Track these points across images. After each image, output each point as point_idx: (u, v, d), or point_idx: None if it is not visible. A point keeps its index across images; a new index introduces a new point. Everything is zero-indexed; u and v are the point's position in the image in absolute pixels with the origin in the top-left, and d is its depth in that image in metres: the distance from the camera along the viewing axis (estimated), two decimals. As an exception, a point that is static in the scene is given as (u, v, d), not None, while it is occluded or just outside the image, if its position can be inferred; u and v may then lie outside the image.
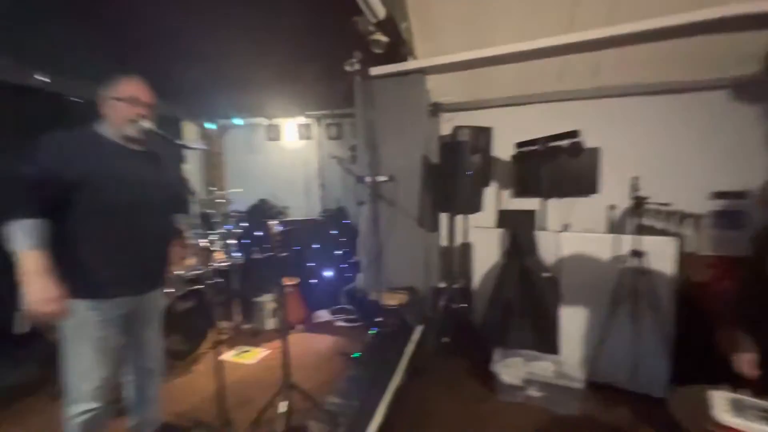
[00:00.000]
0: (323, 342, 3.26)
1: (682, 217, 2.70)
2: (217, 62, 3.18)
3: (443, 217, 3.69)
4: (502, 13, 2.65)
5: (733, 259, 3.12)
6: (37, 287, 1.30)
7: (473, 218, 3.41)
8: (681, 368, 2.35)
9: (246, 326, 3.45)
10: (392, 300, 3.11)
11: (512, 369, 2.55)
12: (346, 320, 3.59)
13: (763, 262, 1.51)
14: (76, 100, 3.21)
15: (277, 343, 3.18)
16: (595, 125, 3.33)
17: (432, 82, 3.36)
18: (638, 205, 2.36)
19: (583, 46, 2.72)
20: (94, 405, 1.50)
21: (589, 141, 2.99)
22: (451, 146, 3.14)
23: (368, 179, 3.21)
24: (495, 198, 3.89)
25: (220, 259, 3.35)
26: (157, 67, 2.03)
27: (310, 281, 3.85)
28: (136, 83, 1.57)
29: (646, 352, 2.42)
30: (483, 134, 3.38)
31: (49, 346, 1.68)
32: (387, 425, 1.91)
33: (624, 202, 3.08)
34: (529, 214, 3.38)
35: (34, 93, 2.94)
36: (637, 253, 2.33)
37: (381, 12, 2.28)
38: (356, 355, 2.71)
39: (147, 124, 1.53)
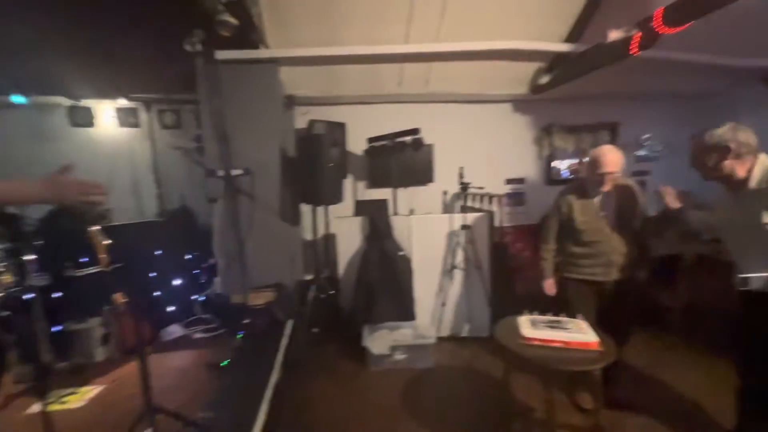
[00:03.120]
0: (182, 359, 2.85)
1: (490, 197, 3.55)
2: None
3: (305, 210, 3.73)
4: (350, 14, 2.86)
5: (522, 227, 4.29)
6: None
7: (334, 209, 3.58)
8: (498, 308, 3.11)
9: (62, 364, 2.68)
10: (259, 299, 2.98)
11: (379, 341, 2.85)
12: (206, 330, 3.23)
13: (570, 216, 2.18)
14: None
15: (112, 376, 2.62)
16: (429, 125, 3.96)
17: (286, 73, 3.32)
18: (463, 189, 2.97)
19: (416, 57, 3.21)
20: None
21: (426, 138, 3.55)
22: (308, 139, 3.20)
23: (221, 173, 2.94)
24: (352, 189, 4.17)
25: (6, 285, 2.48)
26: None
27: (153, 294, 3.26)
28: None
29: (475, 304, 3.10)
30: (338, 129, 3.57)
31: None
32: (271, 421, 1.88)
33: (453, 188, 3.80)
34: (384, 202, 3.78)
35: None
36: (464, 227, 2.95)
37: (229, -10, 2.13)
38: (225, 363, 2.50)
39: None
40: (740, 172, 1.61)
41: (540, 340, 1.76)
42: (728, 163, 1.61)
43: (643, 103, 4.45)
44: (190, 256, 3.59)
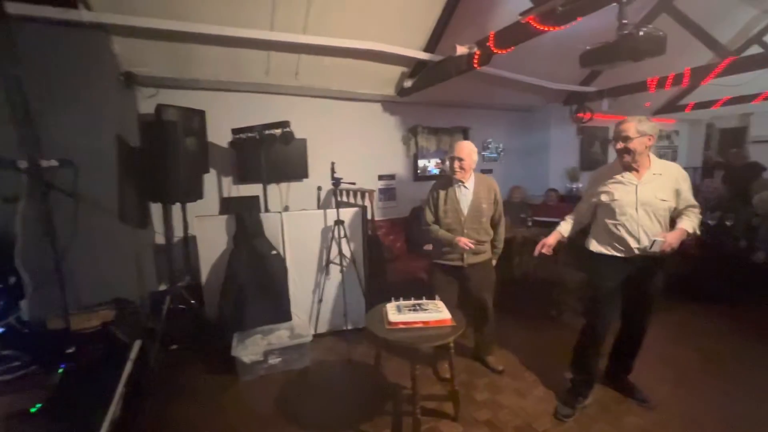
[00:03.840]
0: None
1: (363, 192, 3.67)
2: None
3: (156, 209, 3.19)
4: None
5: (393, 221, 4.58)
6: None
7: (194, 208, 3.17)
8: (373, 299, 3.24)
9: None
10: (90, 321, 2.42)
11: (252, 348, 2.64)
12: (7, 371, 2.44)
13: (435, 205, 2.43)
14: None
15: None
16: (302, 119, 3.86)
17: (123, 46, 2.76)
18: (335, 185, 2.98)
19: (282, 46, 3.07)
20: None
21: (298, 133, 3.44)
22: (157, 127, 2.73)
23: (22, 164, 2.26)
24: (217, 185, 3.76)
25: None
26: None
27: None
28: None
29: (351, 297, 3.16)
30: (196, 117, 3.15)
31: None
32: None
33: (328, 184, 3.78)
34: (253, 199, 3.52)
35: None
36: (338, 222, 2.97)
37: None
38: (35, 408, 1.93)
39: None
40: (647, 159, 1.95)
41: (404, 323, 1.90)
42: (644, 149, 1.90)
43: (487, 112, 5.27)
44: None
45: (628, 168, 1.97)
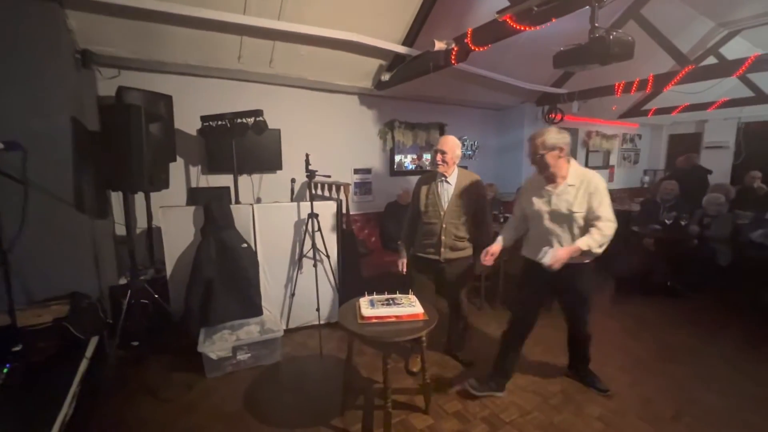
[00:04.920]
0: None
1: (338, 186, 3.61)
2: None
3: (116, 199, 3.01)
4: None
5: (368, 215, 4.55)
6: None
7: (159, 198, 3.01)
8: (347, 294, 3.21)
9: None
10: (40, 317, 2.26)
11: (219, 343, 2.56)
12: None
13: (418, 199, 2.45)
14: None
15: None
16: (275, 109, 3.75)
17: (79, 21, 2.56)
18: (310, 177, 2.91)
19: (256, 31, 2.95)
20: None
21: (271, 123, 3.33)
22: (117, 110, 2.56)
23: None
24: (184, 175, 3.60)
25: None
26: None
27: None
28: None
29: (324, 291, 3.11)
30: (162, 101, 2.99)
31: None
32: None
33: (302, 176, 3.70)
34: (224, 190, 3.39)
35: None
36: (312, 216, 2.91)
37: None
38: (-26, 411, 1.78)
39: None
40: (563, 170, 1.98)
41: (377, 317, 1.89)
42: (558, 161, 1.93)
43: (463, 109, 5.33)
44: None
45: (548, 179, 2.03)
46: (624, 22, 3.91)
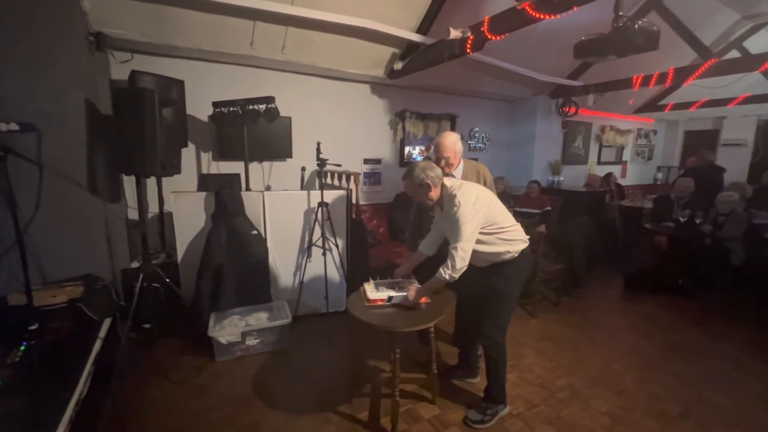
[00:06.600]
0: None
1: (348, 175, 3.60)
2: None
3: (129, 183, 3.03)
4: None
5: (378, 206, 4.54)
6: None
7: (170, 183, 3.03)
8: (356, 283, 3.22)
9: None
10: (56, 297, 2.29)
11: (229, 328, 2.59)
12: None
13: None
14: None
15: None
16: (287, 96, 3.72)
17: (93, 3, 2.55)
18: (321, 166, 2.90)
19: (269, 17, 2.91)
20: None
21: (282, 110, 3.31)
22: (130, 94, 2.56)
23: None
24: (195, 161, 3.60)
25: None
26: None
27: None
28: None
29: (332, 279, 3.13)
30: (174, 86, 2.98)
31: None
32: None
33: (312, 165, 3.69)
34: (234, 177, 3.39)
35: None
36: (322, 204, 2.91)
37: None
38: (-7, 387, 1.83)
39: None
40: (435, 196, 1.89)
41: (382, 300, 1.91)
42: (432, 193, 1.87)
43: (475, 100, 5.25)
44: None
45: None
46: (646, 12, 3.79)
